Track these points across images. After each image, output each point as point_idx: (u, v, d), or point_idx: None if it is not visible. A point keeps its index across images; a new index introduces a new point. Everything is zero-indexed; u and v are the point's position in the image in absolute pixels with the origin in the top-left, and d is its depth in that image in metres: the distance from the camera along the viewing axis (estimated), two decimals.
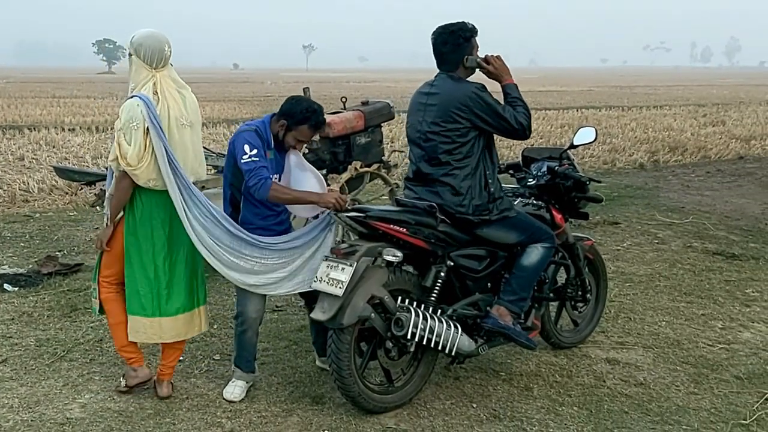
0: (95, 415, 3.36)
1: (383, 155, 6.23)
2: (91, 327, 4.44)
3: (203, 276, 3.62)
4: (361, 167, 5.86)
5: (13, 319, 4.56)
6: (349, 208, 3.40)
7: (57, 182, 9.09)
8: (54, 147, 13.02)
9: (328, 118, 4.70)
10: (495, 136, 3.52)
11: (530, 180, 4.06)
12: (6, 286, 5.16)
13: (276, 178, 3.44)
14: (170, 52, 3.36)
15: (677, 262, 6.15)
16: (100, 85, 43.97)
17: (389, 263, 3.36)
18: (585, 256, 4.21)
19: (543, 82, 57.27)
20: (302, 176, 3.51)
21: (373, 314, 3.29)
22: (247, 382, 3.61)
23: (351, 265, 3.21)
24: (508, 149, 12.71)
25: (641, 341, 4.39)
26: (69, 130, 16.06)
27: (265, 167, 3.31)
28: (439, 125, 3.41)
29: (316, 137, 4.55)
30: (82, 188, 8.63)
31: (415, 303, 3.41)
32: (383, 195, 6.68)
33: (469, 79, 3.51)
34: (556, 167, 3.99)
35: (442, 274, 3.47)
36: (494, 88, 3.49)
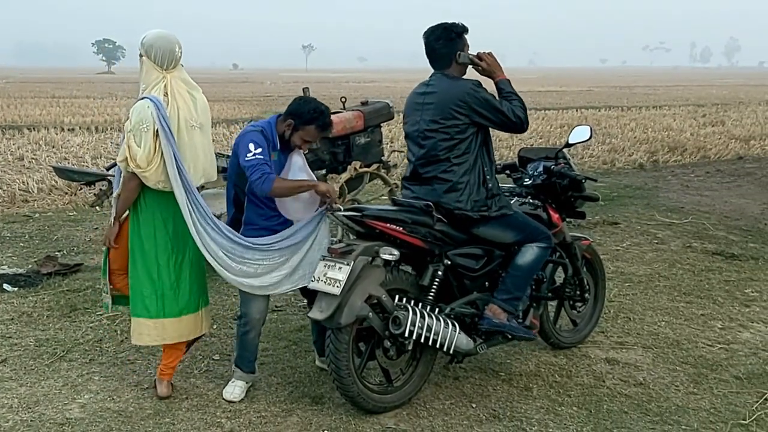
0: (95, 415, 3.36)
1: (383, 155, 6.24)
2: (91, 327, 4.44)
3: (206, 278, 3.62)
4: (360, 167, 5.86)
5: (12, 319, 4.56)
6: (345, 207, 3.40)
7: (56, 182, 9.09)
8: (53, 147, 13.02)
9: None
10: (492, 134, 3.55)
11: (527, 180, 4.07)
12: (5, 286, 5.16)
13: None
14: (181, 53, 3.36)
15: (677, 262, 6.15)
16: (100, 85, 43.97)
17: (386, 262, 3.36)
18: (583, 255, 4.21)
19: (542, 82, 57.28)
20: (299, 177, 3.50)
21: (370, 313, 3.29)
22: (246, 383, 3.62)
23: (348, 265, 3.21)
24: (508, 149, 12.72)
25: (641, 341, 4.39)
26: (68, 130, 16.06)
27: (268, 164, 3.32)
28: (438, 122, 3.43)
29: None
30: (81, 188, 8.62)
31: (412, 302, 3.41)
32: (383, 195, 6.69)
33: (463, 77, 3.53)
34: (552, 166, 4.00)
35: (440, 273, 3.48)
36: (487, 85, 3.51)
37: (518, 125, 3.46)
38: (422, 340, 3.35)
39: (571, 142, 4.09)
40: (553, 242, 3.76)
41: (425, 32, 3.54)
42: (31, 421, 3.29)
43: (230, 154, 3.73)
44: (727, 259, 6.26)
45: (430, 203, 3.42)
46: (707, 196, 9.49)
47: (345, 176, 5.86)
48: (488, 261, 3.61)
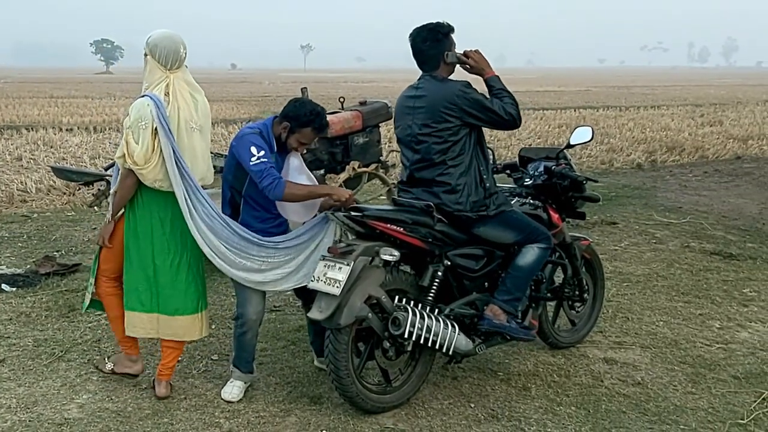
0: (93, 415, 3.36)
1: (381, 155, 6.24)
2: (89, 327, 4.44)
3: (204, 281, 3.62)
4: (359, 167, 5.86)
5: (10, 319, 4.56)
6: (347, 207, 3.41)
7: (55, 182, 9.08)
8: (52, 147, 13.00)
9: None
10: (490, 133, 3.54)
11: (527, 180, 4.07)
12: (4, 286, 5.16)
13: None
14: (186, 53, 3.35)
15: (675, 261, 6.16)
16: (98, 86, 43.91)
17: (386, 263, 3.36)
18: (582, 255, 4.22)
19: (540, 82, 57.31)
20: (299, 180, 3.50)
21: (370, 314, 3.29)
22: (245, 383, 3.61)
23: (348, 265, 3.21)
24: (507, 149, 12.72)
25: (639, 341, 4.39)
26: (67, 130, 16.03)
27: (274, 167, 3.31)
28: (430, 126, 3.42)
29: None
30: (79, 188, 8.61)
31: (412, 302, 3.41)
32: (381, 195, 6.69)
33: (451, 77, 3.52)
34: (553, 167, 4.00)
35: (440, 273, 3.47)
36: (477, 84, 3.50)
37: (510, 122, 3.45)
38: (422, 341, 3.35)
39: (572, 143, 4.08)
40: (553, 243, 3.77)
41: (411, 34, 3.51)
42: (29, 421, 3.28)
43: (218, 153, 3.71)
44: (725, 258, 6.27)
45: (431, 203, 3.42)
46: (705, 196, 9.50)
47: (343, 176, 5.85)
48: (488, 261, 3.62)
